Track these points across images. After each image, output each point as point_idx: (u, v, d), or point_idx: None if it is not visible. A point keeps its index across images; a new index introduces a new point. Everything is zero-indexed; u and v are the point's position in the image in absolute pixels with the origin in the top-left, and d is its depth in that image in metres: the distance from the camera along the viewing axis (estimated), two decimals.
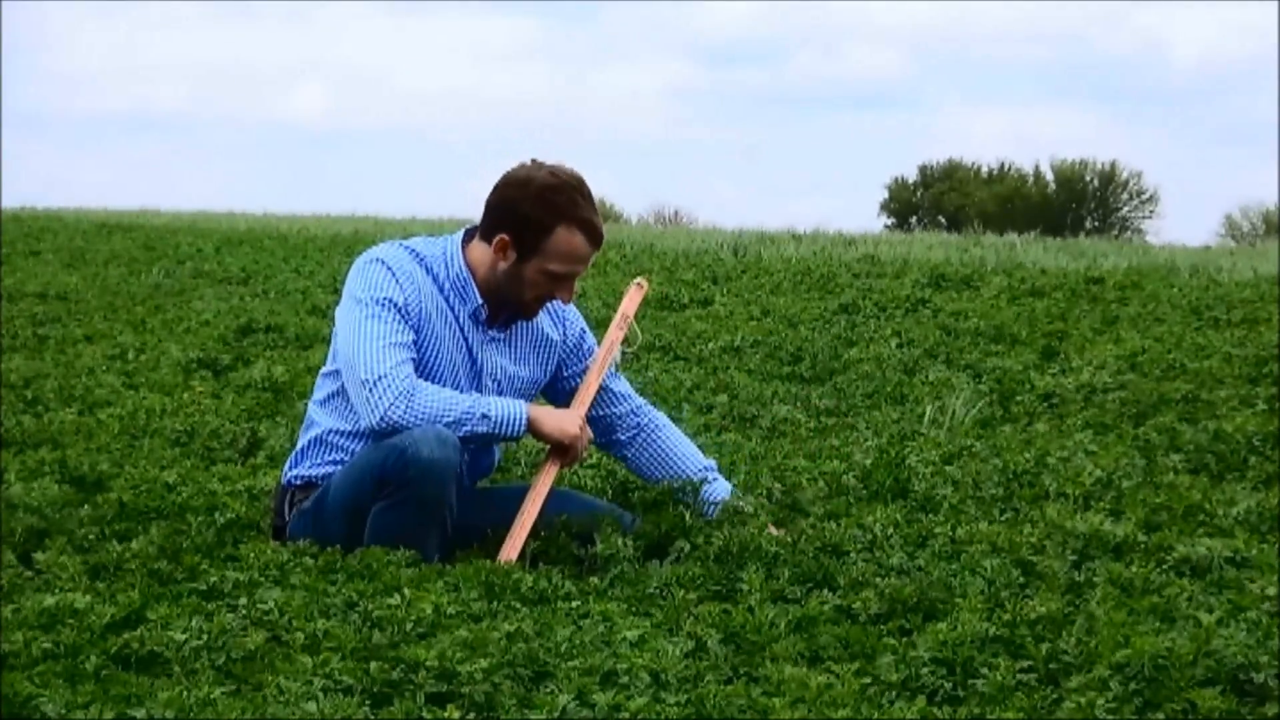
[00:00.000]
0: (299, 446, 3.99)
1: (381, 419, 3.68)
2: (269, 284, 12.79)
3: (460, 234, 3.95)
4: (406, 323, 3.78)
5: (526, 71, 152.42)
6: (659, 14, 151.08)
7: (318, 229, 22.35)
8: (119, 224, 23.53)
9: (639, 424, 4.10)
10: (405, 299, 3.79)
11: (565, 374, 4.09)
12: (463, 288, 3.88)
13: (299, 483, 3.93)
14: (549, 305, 4.00)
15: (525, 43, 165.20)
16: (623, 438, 4.10)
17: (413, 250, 3.89)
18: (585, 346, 4.12)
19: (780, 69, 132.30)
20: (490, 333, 3.94)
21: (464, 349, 3.89)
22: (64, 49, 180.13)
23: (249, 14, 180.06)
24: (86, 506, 4.12)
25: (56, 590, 3.22)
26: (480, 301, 3.89)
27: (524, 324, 3.99)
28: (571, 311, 4.11)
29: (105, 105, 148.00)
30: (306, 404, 4.12)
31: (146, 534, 3.81)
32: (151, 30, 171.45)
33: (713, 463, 4.17)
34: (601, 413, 4.06)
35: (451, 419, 3.68)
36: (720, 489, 4.05)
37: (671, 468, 4.08)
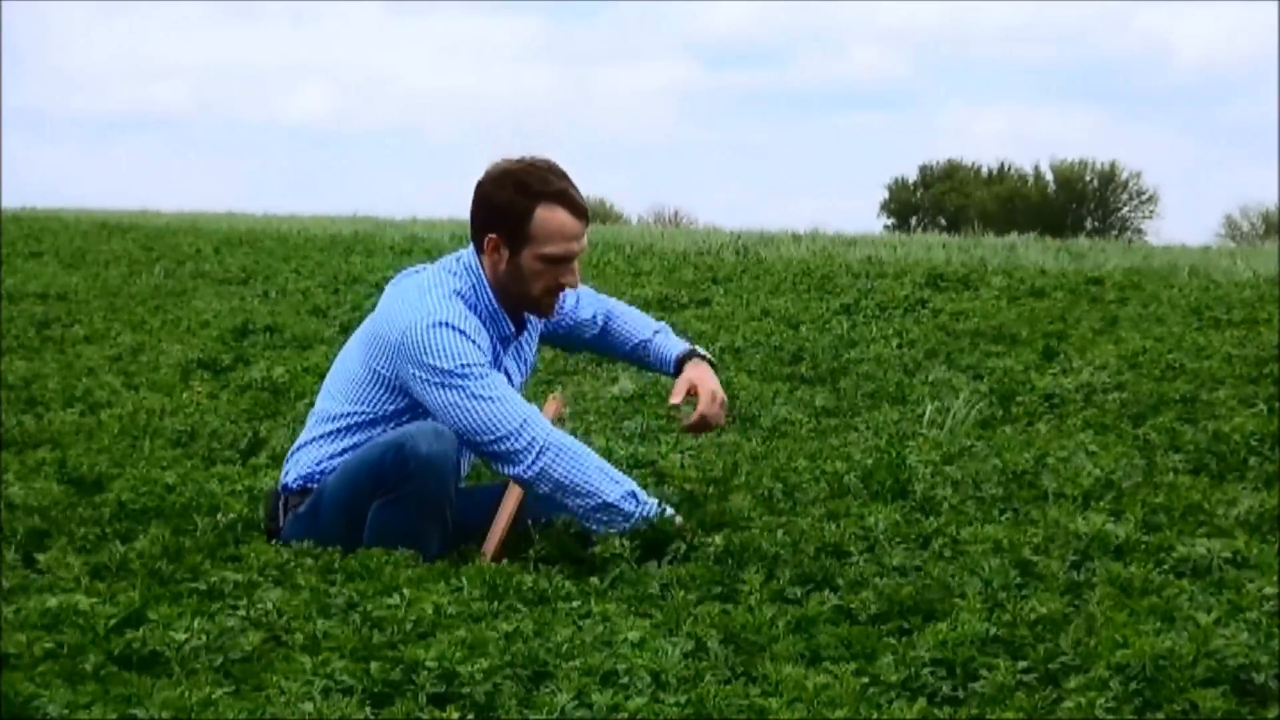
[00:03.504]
0: (298, 448, 3.97)
1: (536, 469, 3.68)
2: (269, 284, 12.79)
3: (471, 253, 3.92)
4: (489, 366, 3.80)
5: (528, 72, 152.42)
6: (661, 14, 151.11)
7: (318, 229, 22.34)
8: (119, 224, 23.53)
9: (599, 324, 4.24)
10: (482, 352, 3.78)
11: (559, 330, 4.20)
12: (494, 316, 3.90)
13: (296, 487, 3.92)
14: None
15: (527, 43, 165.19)
16: (586, 336, 4.26)
17: (459, 295, 3.85)
18: (569, 305, 4.18)
19: (781, 69, 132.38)
20: (510, 345, 3.99)
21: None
22: (65, 49, 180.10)
23: (251, 14, 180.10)
24: (86, 506, 4.12)
25: (58, 590, 3.22)
26: (512, 330, 3.94)
27: (529, 325, 4.05)
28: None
29: (106, 105, 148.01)
30: (308, 405, 4.12)
31: (147, 534, 3.81)
32: (153, 31, 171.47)
33: (663, 325, 4.29)
34: (569, 324, 4.20)
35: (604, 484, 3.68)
36: (668, 345, 4.19)
37: (625, 348, 4.25)
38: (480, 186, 3.88)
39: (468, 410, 3.71)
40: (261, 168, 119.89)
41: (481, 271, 3.89)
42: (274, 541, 3.88)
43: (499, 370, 3.89)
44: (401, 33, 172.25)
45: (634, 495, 3.68)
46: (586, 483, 3.66)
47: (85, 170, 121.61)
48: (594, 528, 3.67)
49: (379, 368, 3.84)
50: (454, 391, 3.71)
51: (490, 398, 3.71)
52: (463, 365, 3.72)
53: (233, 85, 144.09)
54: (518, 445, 3.67)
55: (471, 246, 3.93)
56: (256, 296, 11.88)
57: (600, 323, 4.24)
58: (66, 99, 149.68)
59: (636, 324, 4.27)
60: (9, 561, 3.60)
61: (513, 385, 3.93)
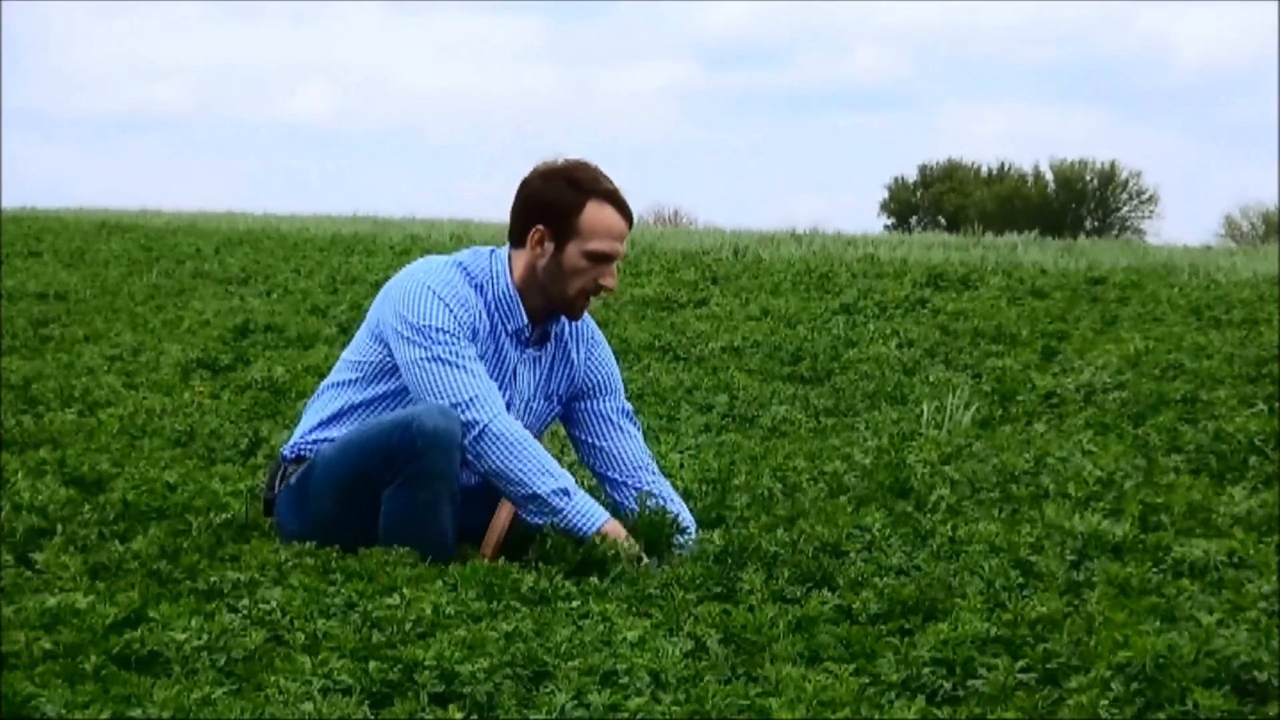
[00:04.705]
0: (322, 417, 3.94)
1: (475, 450, 3.68)
2: (269, 284, 12.79)
3: (507, 248, 3.93)
4: (464, 338, 3.78)
5: (529, 72, 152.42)
6: (661, 15, 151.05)
7: (318, 229, 22.34)
8: (119, 224, 23.52)
9: (643, 486, 3.98)
10: (457, 323, 3.78)
11: (582, 405, 4.06)
12: (508, 305, 3.88)
13: (291, 455, 3.95)
14: (580, 325, 4.01)
15: (528, 43, 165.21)
16: (614, 477, 4.03)
17: (462, 266, 3.87)
18: (612, 384, 4.08)
19: (781, 70, 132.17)
20: (528, 351, 3.95)
21: (498, 369, 3.89)
22: (65, 49, 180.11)
23: (251, 14, 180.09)
24: (86, 506, 4.12)
25: (57, 590, 3.22)
26: (525, 321, 3.90)
27: (556, 345, 3.98)
28: (601, 343, 4.10)
29: (106, 105, 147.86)
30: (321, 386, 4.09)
31: (146, 534, 3.81)
32: (153, 31, 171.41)
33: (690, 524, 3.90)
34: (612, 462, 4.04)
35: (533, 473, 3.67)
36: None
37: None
38: (529, 182, 3.90)
39: (425, 369, 3.74)
40: (261, 168, 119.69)
41: (508, 261, 3.89)
42: (269, 512, 3.95)
43: (507, 364, 3.90)
44: (402, 33, 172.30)
45: (565, 492, 3.67)
46: (519, 472, 3.68)
47: (85, 170, 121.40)
48: (525, 516, 3.72)
49: (372, 320, 3.92)
50: (417, 348, 3.75)
51: (450, 363, 3.73)
52: (432, 328, 3.76)
53: (233, 85, 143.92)
54: (463, 417, 3.69)
55: (506, 248, 3.93)
56: (256, 296, 11.88)
57: (628, 468, 4.01)
58: (66, 99, 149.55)
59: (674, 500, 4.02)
60: (7, 561, 3.60)
61: (517, 391, 3.92)
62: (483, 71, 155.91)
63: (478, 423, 3.69)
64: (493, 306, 3.88)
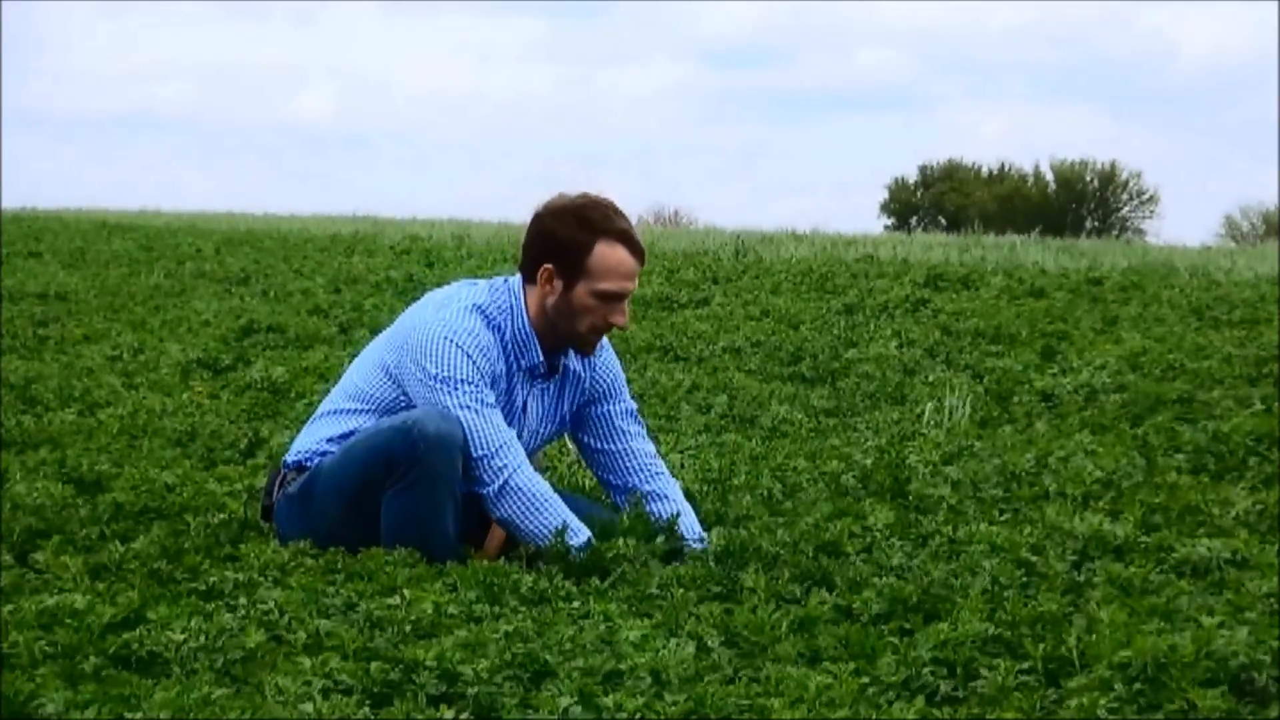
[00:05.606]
0: (333, 433, 3.93)
1: (497, 501, 3.71)
2: (269, 284, 12.78)
3: (519, 279, 3.92)
4: (485, 385, 3.78)
5: (530, 72, 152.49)
6: (663, 15, 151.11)
7: (318, 229, 22.33)
8: (119, 224, 23.52)
9: (648, 487, 4.00)
10: (479, 373, 3.78)
11: (589, 410, 4.07)
12: (524, 343, 3.88)
13: (293, 463, 3.95)
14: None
15: (529, 44, 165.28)
16: (617, 482, 4.05)
17: (480, 310, 3.86)
18: (617, 386, 4.09)
19: (782, 70, 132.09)
20: (538, 384, 3.95)
21: (507, 406, 3.89)
22: (65, 49, 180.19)
23: (253, 14, 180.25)
24: (86, 506, 4.12)
25: (56, 590, 3.22)
26: (539, 359, 3.90)
27: (566, 371, 3.99)
28: (606, 347, 4.08)
29: (106, 105, 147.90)
30: (308, 405, 4.11)
31: (146, 534, 3.81)
32: (153, 31, 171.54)
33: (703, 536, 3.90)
34: (614, 447, 4.06)
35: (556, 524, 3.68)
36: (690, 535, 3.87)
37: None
38: (540, 219, 3.89)
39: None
40: (261, 168, 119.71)
41: (523, 297, 3.89)
42: (268, 523, 3.95)
43: (516, 402, 3.91)
44: (403, 33, 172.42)
45: (590, 546, 3.67)
46: (537, 527, 3.70)
47: (85, 170, 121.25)
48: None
49: (388, 360, 3.90)
50: (443, 396, 3.75)
51: (474, 410, 3.73)
52: (455, 379, 3.75)
53: (233, 85, 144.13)
54: (488, 465, 3.71)
55: (519, 282, 3.92)
56: (256, 296, 11.88)
57: (636, 472, 4.03)
58: (66, 99, 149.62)
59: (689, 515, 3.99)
60: (7, 561, 3.60)
61: (526, 425, 3.93)
62: (483, 72, 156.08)
63: (505, 468, 3.71)
64: (510, 345, 3.88)
